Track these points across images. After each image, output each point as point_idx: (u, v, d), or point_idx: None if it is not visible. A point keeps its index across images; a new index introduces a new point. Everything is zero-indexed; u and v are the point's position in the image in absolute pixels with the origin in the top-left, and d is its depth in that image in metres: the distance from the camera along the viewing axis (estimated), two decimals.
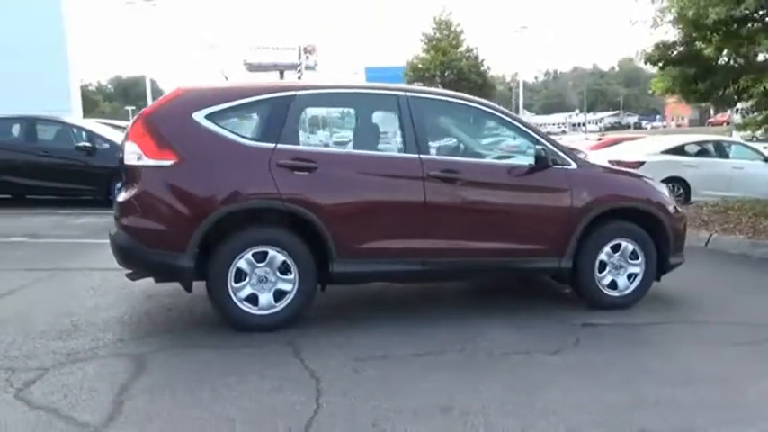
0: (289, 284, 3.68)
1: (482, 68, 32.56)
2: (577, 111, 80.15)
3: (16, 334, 3.52)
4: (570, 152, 4.30)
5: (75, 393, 2.77)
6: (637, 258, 4.32)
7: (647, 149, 10.10)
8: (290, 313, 3.69)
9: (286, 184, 3.61)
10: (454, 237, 3.95)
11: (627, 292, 4.34)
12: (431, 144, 3.99)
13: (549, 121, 78.33)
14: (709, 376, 3.17)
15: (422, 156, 3.88)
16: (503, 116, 4.24)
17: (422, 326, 3.85)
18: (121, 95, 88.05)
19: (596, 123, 76.19)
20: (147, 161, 3.50)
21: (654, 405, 2.79)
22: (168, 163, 3.49)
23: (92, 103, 79.69)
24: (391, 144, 4.08)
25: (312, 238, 3.68)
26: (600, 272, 4.26)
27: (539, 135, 4.21)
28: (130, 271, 3.75)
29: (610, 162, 5.97)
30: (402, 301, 4.51)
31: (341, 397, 2.82)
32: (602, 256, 4.25)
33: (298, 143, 3.75)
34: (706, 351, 3.57)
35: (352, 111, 4.25)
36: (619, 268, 4.32)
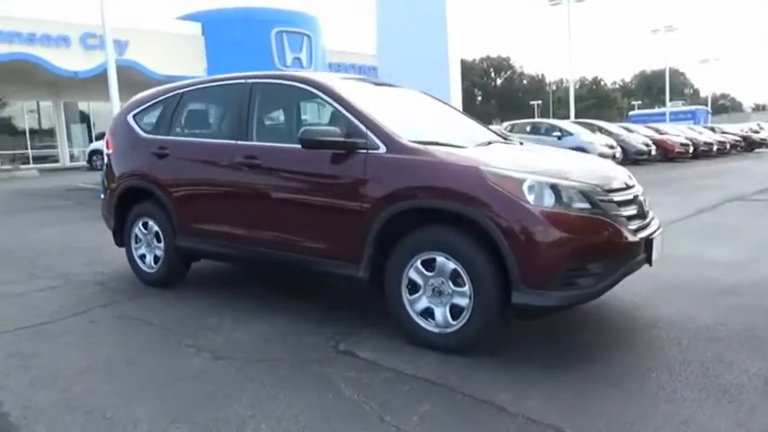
0: (161, 252, 4.44)
1: None
2: None
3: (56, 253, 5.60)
4: (385, 133, 3.27)
5: None
6: (463, 285, 2.98)
7: None
8: (163, 275, 4.45)
9: (153, 168, 4.37)
10: (252, 224, 3.79)
11: (450, 330, 3.06)
12: (254, 130, 3.88)
13: None
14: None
15: (238, 142, 3.89)
16: (322, 94, 3.60)
17: (208, 311, 3.87)
18: (644, 91, 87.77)
19: None
20: (107, 151, 4.92)
21: None
22: (110, 152, 4.82)
23: (608, 100, 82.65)
24: (226, 131, 4.14)
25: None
26: (411, 293, 3.17)
27: (350, 113, 3.41)
28: None
29: None
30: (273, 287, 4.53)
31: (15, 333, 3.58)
32: (412, 274, 3.14)
33: (168, 134, 4.40)
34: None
35: (217, 101, 4.46)
36: (439, 294, 3.08)
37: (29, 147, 24.38)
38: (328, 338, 3.35)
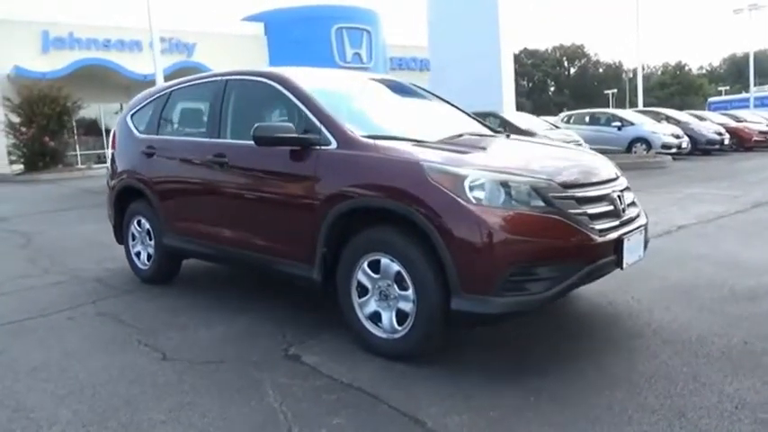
0: (152, 249, 4.50)
1: None
2: None
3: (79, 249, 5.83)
4: (338, 128, 3.11)
5: None
6: (408, 289, 2.79)
7: None
8: (154, 272, 4.51)
9: (142, 167, 4.43)
10: (221, 223, 3.76)
11: (396, 336, 2.88)
12: (227, 128, 3.83)
13: None
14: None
15: (211, 140, 3.86)
16: (282, 88, 3.47)
17: (184, 309, 3.90)
18: (735, 76, 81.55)
19: None
20: (110, 150, 5.05)
21: None
22: (112, 151, 4.94)
23: (693, 87, 77.15)
24: (203, 129, 4.09)
25: None
26: (361, 296, 3.01)
27: (307, 108, 3.28)
28: None
29: None
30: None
31: None
32: (360, 276, 2.98)
33: (156, 133, 4.44)
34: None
35: (198, 100, 4.39)
36: (386, 298, 2.92)
37: (105, 146, 25.85)
38: (284, 341, 3.26)
